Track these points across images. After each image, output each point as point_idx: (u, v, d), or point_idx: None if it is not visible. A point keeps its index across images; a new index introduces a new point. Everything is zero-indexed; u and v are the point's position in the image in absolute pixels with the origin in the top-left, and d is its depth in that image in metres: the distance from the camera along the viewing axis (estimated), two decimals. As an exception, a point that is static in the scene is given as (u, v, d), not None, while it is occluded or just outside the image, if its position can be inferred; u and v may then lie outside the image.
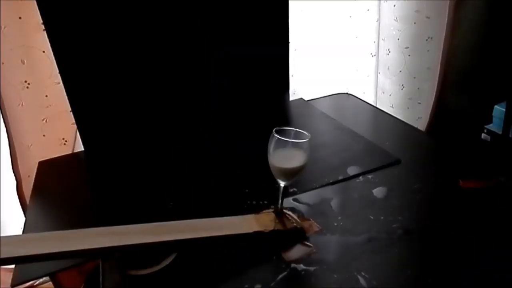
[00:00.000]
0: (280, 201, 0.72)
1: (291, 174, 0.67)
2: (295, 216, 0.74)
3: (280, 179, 0.68)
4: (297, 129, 0.67)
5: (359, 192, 0.82)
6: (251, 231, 0.68)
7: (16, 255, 0.53)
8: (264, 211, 0.76)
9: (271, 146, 0.65)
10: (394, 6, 1.44)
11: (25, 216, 0.82)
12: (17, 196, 1.11)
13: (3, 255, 0.52)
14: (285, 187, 0.69)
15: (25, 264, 0.64)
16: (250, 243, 0.68)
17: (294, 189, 0.82)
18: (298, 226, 0.72)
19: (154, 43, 1.00)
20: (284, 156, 0.65)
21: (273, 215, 0.73)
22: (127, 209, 0.81)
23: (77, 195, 0.89)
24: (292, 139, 0.65)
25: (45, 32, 0.91)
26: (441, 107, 1.65)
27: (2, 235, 1.23)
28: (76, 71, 0.96)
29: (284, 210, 0.74)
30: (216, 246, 0.67)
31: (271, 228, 0.69)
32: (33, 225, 0.79)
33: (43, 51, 1.00)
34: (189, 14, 1.00)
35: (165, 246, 0.63)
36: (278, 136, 0.64)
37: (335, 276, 0.62)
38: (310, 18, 1.32)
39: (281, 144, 0.64)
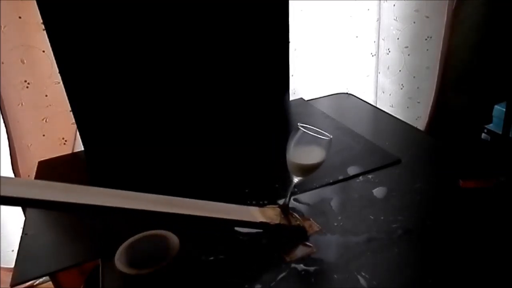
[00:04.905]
0: (288, 197, 0.71)
1: (307, 170, 0.68)
2: (297, 216, 0.74)
3: (295, 174, 0.69)
4: (318, 129, 0.66)
5: (359, 192, 0.82)
6: (257, 221, 0.68)
7: (18, 196, 0.48)
8: (268, 205, 0.76)
9: (294, 139, 0.65)
10: (394, 5, 1.44)
11: (24, 215, 0.82)
12: (17, 196, 1.10)
13: (3, 194, 0.47)
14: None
15: (24, 207, 0.57)
16: (255, 232, 0.69)
17: (295, 189, 0.82)
18: (301, 225, 0.72)
19: (153, 42, 1.00)
20: (304, 151, 0.66)
21: (278, 209, 0.73)
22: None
23: (77, 195, 0.89)
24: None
25: (45, 32, 0.91)
26: (440, 107, 1.65)
27: (2, 235, 1.23)
28: (76, 71, 0.96)
29: (289, 209, 0.74)
30: (222, 228, 0.67)
31: (277, 221, 0.69)
32: (32, 224, 0.79)
33: (43, 51, 1.01)
34: (188, 14, 1.00)
35: (171, 218, 0.61)
36: (304, 130, 0.64)
37: (335, 276, 0.62)
38: (310, 18, 1.32)
39: (304, 138, 0.64)
